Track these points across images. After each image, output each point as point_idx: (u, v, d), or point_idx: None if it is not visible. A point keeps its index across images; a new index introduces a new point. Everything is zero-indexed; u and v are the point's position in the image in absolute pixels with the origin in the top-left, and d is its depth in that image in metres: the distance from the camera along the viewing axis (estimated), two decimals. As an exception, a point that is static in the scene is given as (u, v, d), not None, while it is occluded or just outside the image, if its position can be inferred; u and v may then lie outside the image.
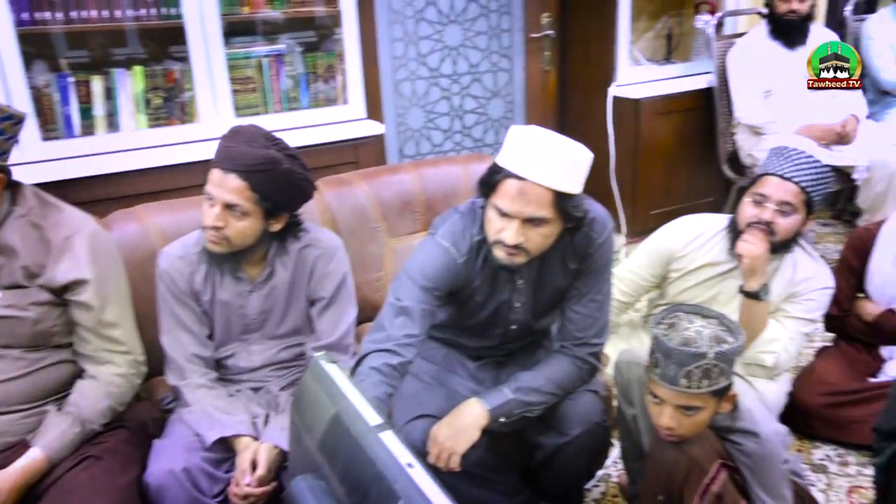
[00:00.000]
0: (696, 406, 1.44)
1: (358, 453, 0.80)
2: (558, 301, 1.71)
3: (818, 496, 1.99)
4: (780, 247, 2.03)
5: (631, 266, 2.32)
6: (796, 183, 1.95)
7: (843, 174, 3.20)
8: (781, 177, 1.97)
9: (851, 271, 2.39)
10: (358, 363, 1.52)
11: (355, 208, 2.15)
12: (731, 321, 1.47)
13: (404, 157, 3.41)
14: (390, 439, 0.78)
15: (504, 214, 1.46)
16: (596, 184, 3.56)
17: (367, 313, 1.98)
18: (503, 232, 1.47)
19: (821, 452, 2.21)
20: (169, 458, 1.53)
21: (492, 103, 3.59)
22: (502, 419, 1.58)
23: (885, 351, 2.33)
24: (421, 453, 1.53)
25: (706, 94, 3.51)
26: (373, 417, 0.82)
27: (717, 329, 1.44)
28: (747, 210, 2.03)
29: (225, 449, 1.60)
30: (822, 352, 2.46)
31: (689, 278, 2.21)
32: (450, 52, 3.39)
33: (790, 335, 2.08)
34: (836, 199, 3.97)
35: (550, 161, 1.42)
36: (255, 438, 1.61)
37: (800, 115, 3.23)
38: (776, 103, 3.26)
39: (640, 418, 1.67)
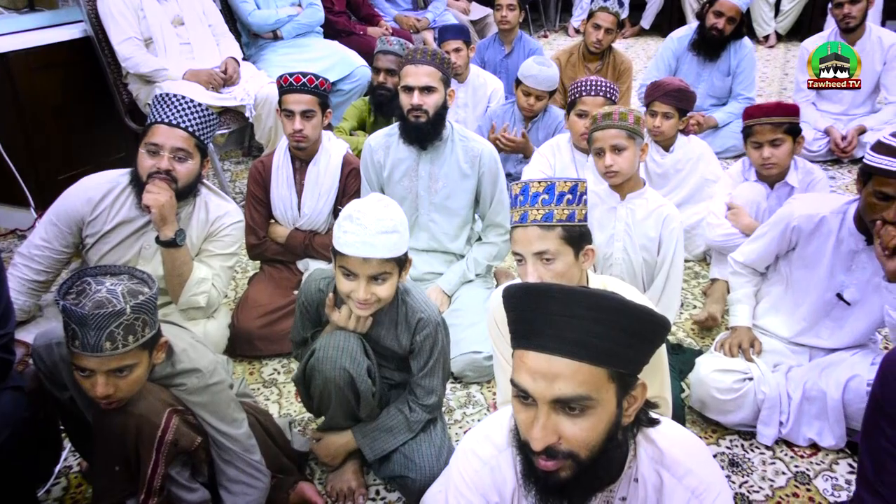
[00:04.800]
0: (129, 364, 1.41)
1: None
2: None
3: (272, 408, 2.21)
4: (186, 192, 2.09)
5: (37, 241, 2.11)
6: (184, 129, 2.02)
7: (238, 114, 3.44)
8: (169, 124, 2.01)
9: (259, 202, 2.64)
10: None
11: None
12: (141, 272, 1.47)
13: None
14: None
15: None
16: (-18, 156, 3.09)
17: None
18: None
19: (269, 368, 2.43)
20: None
21: None
22: None
23: (301, 265, 2.67)
24: None
25: (87, 43, 3.29)
26: None
27: (130, 283, 1.42)
28: (145, 161, 2.02)
29: None
30: (252, 279, 2.68)
31: (108, 240, 2.13)
32: None
33: (215, 272, 2.21)
34: (243, 137, 4.27)
35: None
36: None
37: (185, 61, 3.31)
38: (159, 51, 3.27)
39: (77, 398, 1.56)
